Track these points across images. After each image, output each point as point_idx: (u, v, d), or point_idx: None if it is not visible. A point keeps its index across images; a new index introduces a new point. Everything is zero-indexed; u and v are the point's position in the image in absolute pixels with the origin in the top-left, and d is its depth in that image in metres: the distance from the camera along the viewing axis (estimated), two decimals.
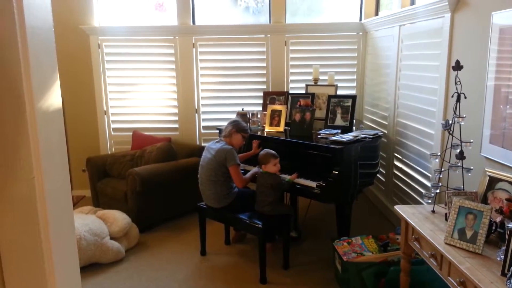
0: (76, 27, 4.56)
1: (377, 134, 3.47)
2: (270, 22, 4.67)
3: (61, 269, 1.10)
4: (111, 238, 3.41)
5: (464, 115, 2.21)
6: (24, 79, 0.98)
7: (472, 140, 2.25)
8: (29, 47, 0.98)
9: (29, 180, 0.99)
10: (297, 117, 3.66)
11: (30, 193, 0.99)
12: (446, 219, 2.15)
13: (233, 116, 3.83)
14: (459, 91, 2.18)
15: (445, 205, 2.24)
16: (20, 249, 1.02)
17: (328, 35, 4.64)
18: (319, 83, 4.16)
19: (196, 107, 4.77)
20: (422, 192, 3.27)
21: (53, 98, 1.12)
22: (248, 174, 3.29)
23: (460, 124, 2.23)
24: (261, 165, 3.19)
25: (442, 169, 2.32)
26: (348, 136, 3.26)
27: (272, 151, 3.20)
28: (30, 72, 0.99)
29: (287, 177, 3.24)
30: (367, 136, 3.35)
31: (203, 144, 4.77)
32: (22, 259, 1.03)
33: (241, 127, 3.30)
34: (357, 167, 3.22)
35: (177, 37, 4.62)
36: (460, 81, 2.18)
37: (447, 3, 2.78)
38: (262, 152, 3.22)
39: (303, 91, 4.22)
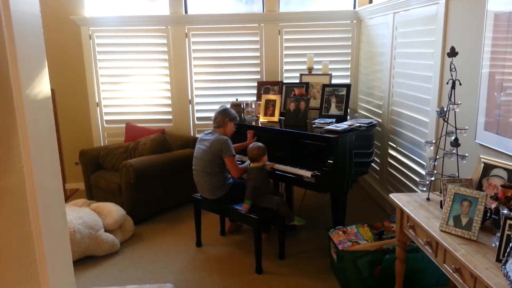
0: (66, 17, 4.48)
1: (371, 122, 3.46)
2: (263, 11, 4.62)
3: (53, 260, 1.08)
4: (106, 231, 3.39)
5: (459, 102, 2.20)
6: (11, 65, 0.95)
7: (467, 127, 2.24)
8: (14, 32, 0.94)
9: (17, 169, 0.96)
10: (292, 106, 3.65)
11: (19, 183, 0.96)
12: (441, 207, 2.16)
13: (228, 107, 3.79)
14: (454, 78, 2.17)
15: (440, 192, 2.24)
16: (10, 240, 0.99)
17: (322, 24, 4.60)
18: (313, 72, 4.14)
19: (190, 98, 4.74)
20: (416, 181, 3.27)
21: (42, 86, 1.09)
22: (244, 165, 3.27)
23: (455, 111, 2.22)
24: (251, 161, 3.17)
25: (437, 156, 2.32)
26: (343, 125, 3.25)
27: (260, 145, 3.16)
28: (17, 58, 0.96)
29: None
30: (362, 125, 3.34)
31: (197, 135, 4.73)
32: (13, 251, 1.00)
33: (233, 115, 3.32)
34: (352, 156, 3.21)
35: (169, 27, 4.56)
36: (455, 68, 2.16)
37: None
38: (252, 147, 3.18)
39: (297, 81, 4.20)
